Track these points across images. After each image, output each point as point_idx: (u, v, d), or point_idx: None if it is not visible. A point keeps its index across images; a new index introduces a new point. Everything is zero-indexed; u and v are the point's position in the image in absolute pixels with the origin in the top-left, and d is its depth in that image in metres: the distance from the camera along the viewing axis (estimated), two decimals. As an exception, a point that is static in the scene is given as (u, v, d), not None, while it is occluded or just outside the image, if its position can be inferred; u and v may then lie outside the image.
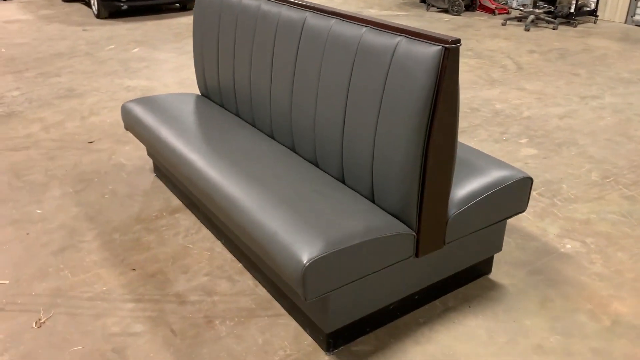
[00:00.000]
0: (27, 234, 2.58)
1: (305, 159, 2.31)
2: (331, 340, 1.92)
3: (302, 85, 2.21)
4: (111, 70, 5.06)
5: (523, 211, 2.20)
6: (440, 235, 1.95)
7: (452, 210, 1.96)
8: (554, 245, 2.50)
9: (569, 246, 2.50)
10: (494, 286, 2.25)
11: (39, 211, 2.76)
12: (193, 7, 7.77)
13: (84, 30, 6.60)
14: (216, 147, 2.35)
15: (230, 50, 2.67)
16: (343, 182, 2.13)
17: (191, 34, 6.44)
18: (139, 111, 2.78)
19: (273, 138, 2.52)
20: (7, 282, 2.26)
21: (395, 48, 1.80)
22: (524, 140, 3.58)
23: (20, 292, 2.20)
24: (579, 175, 3.14)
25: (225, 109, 2.87)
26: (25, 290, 2.21)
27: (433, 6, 7.91)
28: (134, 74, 4.93)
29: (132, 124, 2.79)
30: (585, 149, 3.46)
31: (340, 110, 2.03)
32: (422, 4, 8.37)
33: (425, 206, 1.84)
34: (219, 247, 2.48)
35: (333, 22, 2.06)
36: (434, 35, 1.71)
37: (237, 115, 2.77)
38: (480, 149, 3.44)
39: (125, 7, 7.13)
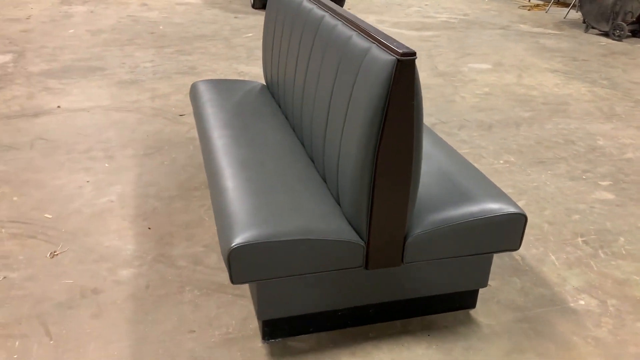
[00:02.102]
0: (87, 181, 2.99)
1: (307, 155, 2.37)
2: (267, 329, 1.97)
3: (309, 83, 2.27)
4: (235, 55, 5.50)
5: (514, 249, 2.03)
6: (397, 252, 1.89)
7: (417, 229, 1.89)
8: (565, 298, 2.25)
9: (582, 302, 2.23)
10: (469, 322, 2.11)
11: (106, 165, 3.18)
12: (343, 4, 8.05)
13: (235, 17, 7.21)
14: (235, 131, 2.50)
15: (279, 46, 2.80)
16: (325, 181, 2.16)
17: (326, 30, 6.69)
18: (200, 89, 3.05)
19: (294, 131, 2.61)
20: (50, 216, 2.66)
21: (365, 54, 1.78)
22: (605, 183, 3.20)
23: (53, 226, 2.58)
24: (649, 231, 2.74)
25: (274, 98, 3.02)
26: (57, 225, 2.59)
27: (594, 28, 7.22)
28: (253, 61, 5.31)
29: (192, 99, 3.08)
30: (677, 205, 3.00)
31: (325, 109, 2.06)
32: (584, 24, 7.68)
33: (375, 218, 1.81)
34: (229, 225, 2.65)
35: (337, 24, 2.09)
36: (393, 45, 1.67)
37: (279, 106, 2.90)
38: (548, 183, 3.16)
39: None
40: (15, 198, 2.80)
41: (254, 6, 7.83)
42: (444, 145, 2.40)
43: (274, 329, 1.98)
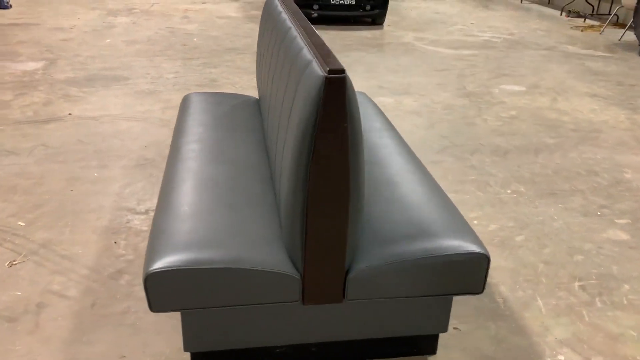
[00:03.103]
0: (71, 190, 2.97)
1: (271, 175, 2.23)
2: (196, 362, 1.84)
3: (275, 98, 2.15)
4: (259, 69, 5.45)
5: (477, 293, 1.81)
6: (337, 287, 1.72)
7: (361, 264, 1.71)
8: (542, 350, 1.99)
9: (561, 358, 1.96)
10: (424, 370, 1.90)
11: (95, 174, 3.15)
12: (383, 22, 7.91)
13: (270, 31, 7.20)
14: (203, 145, 2.40)
15: (263, 58, 2.70)
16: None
17: (358, 46, 6.57)
18: (191, 101, 2.98)
19: (268, 148, 2.48)
20: (23, 224, 2.64)
21: (305, 69, 1.64)
22: (622, 221, 2.88)
23: (23, 234, 2.56)
24: (661, 279, 2.43)
25: (261, 113, 2.91)
26: (27, 234, 2.56)
27: (649, 51, 6.74)
28: (275, 75, 5.24)
29: (180, 111, 3.01)
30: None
31: (277, 127, 1.93)
32: (639, 47, 7.19)
33: (309, 249, 1.65)
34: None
35: (296, 36, 1.96)
36: (327, 60, 1.52)
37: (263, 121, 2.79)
38: (556, 217, 2.88)
39: (315, 15, 7.58)
40: (-4, 204, 2.82)
41: (293, 21, 7.80)
42: (419, 171, 2.21)
43: (204, 361, 1.85)
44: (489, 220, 2.85)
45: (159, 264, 1.63)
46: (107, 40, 6.34)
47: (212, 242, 1.71)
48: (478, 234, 2.71)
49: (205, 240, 1.72)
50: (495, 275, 2.41)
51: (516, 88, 5.17)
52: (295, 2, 7.55)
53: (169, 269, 1.62)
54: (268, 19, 2.72)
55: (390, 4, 9.83)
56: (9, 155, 3.36)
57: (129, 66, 5.36)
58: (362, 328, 1.86)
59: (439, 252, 1.74)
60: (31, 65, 5.25)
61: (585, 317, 2.17)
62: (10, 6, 8.00)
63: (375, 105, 3.05)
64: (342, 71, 1.47)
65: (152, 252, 1.69)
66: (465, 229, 1.84)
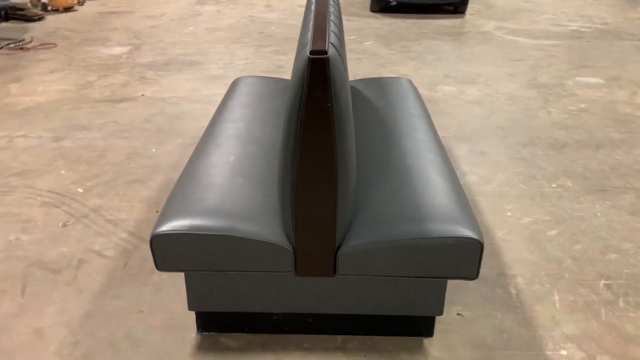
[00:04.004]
0: (130, 165, 3.24)
1: None
2: (200, 321, 1.99)
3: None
4: (327, 56, 5.54)
5: (471, 278, 1.81)
6: (328, 262, 1.79)
7: (353, 241, 1.78)
8: (546, 344, 1.95)
9: (564, 352, 1.91)
10: (416, 351, 1.92)
11: (153, 150, 3.41)
12: (465, 10, 7.71)
13: (347, 20, 7.27)
14: (234, 126, 2.54)
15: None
16: None
17: (433, 35, 6.47)
18: (239, 84, 3.14)
19: None
20: (81, 190, 2.93)
21: (302, 49, 1.71)
22: (674, 222, 2.69)
23: (80, 200, 2.85)
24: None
25: None
26: (83, 199, 2.85)
27: None
28: (341, 63, 5.31)
29: (227, 93, 3.18)
30: None
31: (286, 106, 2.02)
32: None
33: (299, 223, 1.74)
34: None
35: (310, 19, 2.03)
36: (316, 42, 1.58)
37: None
38: (599, 215, 2.74)
39: (394, 3, 7.53)
40: (63, 172, 3.14)
41: (371, 9, 7.82)
42: (438, 160, 2.21)
43: (207, 322, 1.99)
44: (523, 212, 2.77)
45: (164, 227, 1.78)
46: (190, 28, 6.71)
47: (216, 211, 1.84)
48: (509, 226, 2.65)
49: (210, 209, 1.85)
50: (516, 266, 2.36)
51: (593, 80, 4.89)
52: (374, -10, 7.56)
53: (172, 232, 1.77)
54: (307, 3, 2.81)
55: (478, -8, 9.52)
56: (82, 129, 3.71)
57: (205, 52, 5.66)
58: (356, 304, 1.92)
59: (430, 235, 1.76)
60: (118, 50, 5.70)
61: (602, 316, 2.08)
62: (112, -4, 8.65)
63: (416, 92, 3.05)
64: (324, 52, 1.53)
65: (162, 216, 1.85)
66: (464, 215, 1.84)
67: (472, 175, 3.14)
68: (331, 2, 2.50)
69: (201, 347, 1.94)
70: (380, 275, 1.81)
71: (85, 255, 2.41)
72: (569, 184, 3.06)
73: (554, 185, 3.04)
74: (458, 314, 2.09)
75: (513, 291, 2.22)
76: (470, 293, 2.20)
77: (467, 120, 3.96)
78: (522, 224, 2.67)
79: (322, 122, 1.59)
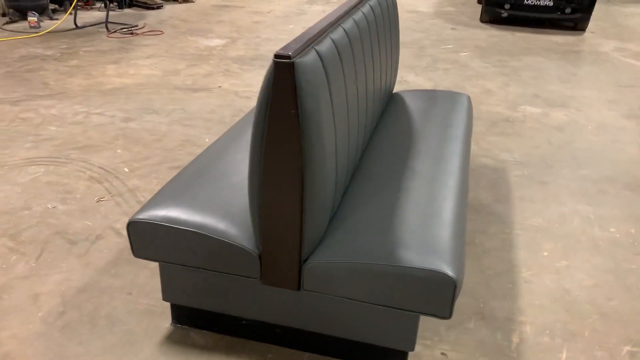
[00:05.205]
0: (180, 151, 3.36)
1: None
2: (173, 313, 2.00)
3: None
4: (415, 64, 5.38)
5: (443, 317, 1.65)
6: (292, 274, 1.73)
7: (319, 257, 1.70)
8: (528, 405, 1.72)
9: (547, 419, 1.67)
10: (381, 384, 1.79)
11: (207, 140, 3.51)
12: (585, 27, 7.12)
13: (451, 28, 7.00)
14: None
15: None
16: None
17: (538, 51, 6.02)
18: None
19: None
20: (127, 170, 3.10)
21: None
22: None
23: (123, 178, 3.00)
24: None
25: None
26: (126, 179, 3.00)
27: None
28: (427, 72, 5.13)
29: None
30: None
31: None
32: None
33: (265, 229, 1.69)
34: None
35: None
36: (286, 47, 1.52)
37: None
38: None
39: (505, 14, 7.13)
40: (119, 150, 3.33)
41: (482, 20, 7.46)
42: (451, 185, 2.04)
43: (180, 315, 2.00)
44: (564, 254, 2.48)
45: (141, 215, 1.82)
46: (290, 26, 6.84)
47: (197, 207, 1.84)
48: (539, 267, 2.39)
49: (192, 203, 1.86)
50: (529, 312, 2.12)
51: None
52: (486, 1, 7.20)
53: (147, 221, 1.80)
54: None
55: (607, 9, 8.73)
56: (152, 113, 3.92)
57: (295, 50, 5.72)
58: (322, 323, 1.83)
59: (399, 263, 1.63)
60: (215, 42, 5.95)
61: (611, 387, 1.81)
62: (231, -10, 9.06)
63: (467, 112, 2.86)
64: (289, 57, 1.46)
65: (147, 203, 1.89)
66: (446, 249, 1.69)
67: (518, 204, 2.88)
68: (369, 5, 2.40)
69: (170, 338, 1.95)
70: (346, 297, 1.71)
71: (104, 232, 2.54)
72: (632, 230, 2.70)
73: (612, 230, 2.69)
74: (442, 354, 1.92)
75: (515, 340, 1.99)
76: (465, 332, 2.02)
77: (538, 145, 3.63)
78: (556, 267, 2.39)
79: (286, 129, 1.53)
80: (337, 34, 1.87)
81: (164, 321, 2.03)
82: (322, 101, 1.60)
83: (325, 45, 1.72)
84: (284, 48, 1.51)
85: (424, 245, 1.69)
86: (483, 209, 2.83)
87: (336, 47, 1.80)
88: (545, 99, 4.53)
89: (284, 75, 1.48)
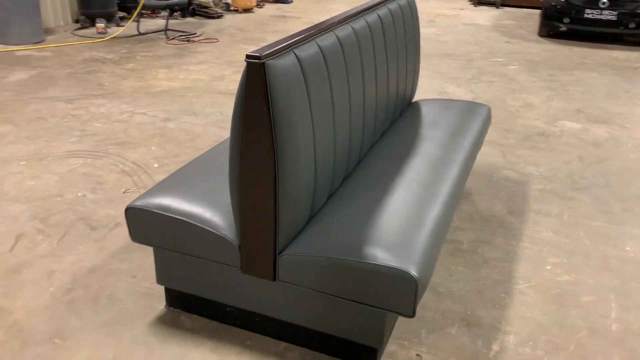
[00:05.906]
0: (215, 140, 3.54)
1: None
2: (167, 296, 2.13)
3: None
4: (459, 76, 5.35)
5: (406, 315, 1.69)
6: (268, 264, 1.81)
7: (293, 249, 1.78)
8: (492, 412, 1.71)
9: None
10: (349, 378, 1.83)
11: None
12: (650, 44, 6.80)
13: (505, 42, 6.88)
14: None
15: None
16: None
17: (594, 66, 5.82)
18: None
19: None
20: (157, 165, 3.29)
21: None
22: None
23: (151, 173, 3.20)
24: None
25: None
26: (153, 174, 3.20)
27: None
28: (470, 84, 5.09)
29: None
30: None
31: None
32: None
33: (242, 220, 1.79)
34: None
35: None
36: (262, 47, 1.62)
37: None
38: None
39: (564, 29, 6.92)
40: (153, 147, 3.55)
41: (539, 34, 7.28)
42: (440, 192, 2.07)
43: (173, 298, 2.13)
44: (568, 270, 2.42)
45: (139, 202, 1.97)
46: (342, 36, 6.95)
47: (189, 196, 1.97)
48: (538, 280, 2.35)
49: (187, 193, 1.99)
50: (516, 323, 2.09)
51: None
52: (544, 14, 7.03)
53: (142, 207, 1.95)
54: None
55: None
56: (191, 115, 4.13)
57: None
58: (297, 314, 1.90)
59: (364, 259, 1.69)
60: (265, 50, 6.16)
61: (585, 403, 1.76)
62: (291, 1, 9.32)
63: (483, 121, 2.85)
64: (259, 57, 1.56)
65: (149, 191, 2.04)
66: (414, 249, 1.73)
67: (532, 217, 2.83)
68: (377, 14, 2.46)
69: (161, 320, 2.09)
70: (317, 290, 1.78)
71: (124, 220, 2.72)
72: (649, 250, 2.59)
73: (627, 249, 2.60)
74: (417, 355, 1.94)
75: (495, 348, 1.98)
76: (445, 337, 2.02)
77: (569, 160, 3.54)
78: (557, 282, 2.35)
79: (259, 126, 1.63)
80: (327, 40, 1.95)
81: (160, 304, 2.16)
82: (296, 102, 1.69)
83: (308, 50, 1.80)
84: (257, 50, 1.62)
85: (394, 245, 1.74)
86: (494, 219, 2.80)
87: (322, 52, 1.88)
88: (588, 115, 4.38)
89: (255, 75, 1.58)
